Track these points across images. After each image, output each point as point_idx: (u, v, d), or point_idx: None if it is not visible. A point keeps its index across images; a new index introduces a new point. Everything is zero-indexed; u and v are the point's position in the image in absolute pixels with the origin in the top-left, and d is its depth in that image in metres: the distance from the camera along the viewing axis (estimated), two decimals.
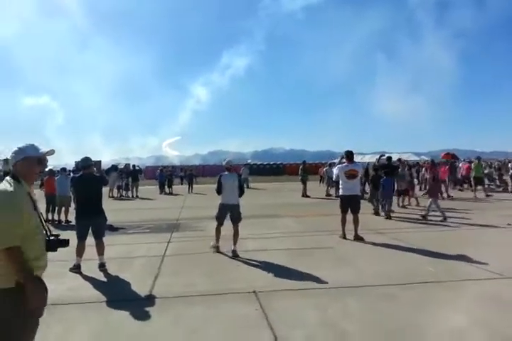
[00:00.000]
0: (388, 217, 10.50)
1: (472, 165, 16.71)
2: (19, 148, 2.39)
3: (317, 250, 6.92)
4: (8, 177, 2.35)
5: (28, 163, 2.37)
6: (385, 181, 11.07)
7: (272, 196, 18.58)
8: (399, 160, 15.67)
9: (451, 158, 20.64)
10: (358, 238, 7.74)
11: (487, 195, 15.56)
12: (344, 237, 7.84)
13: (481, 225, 9.11)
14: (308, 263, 5.96)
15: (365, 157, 64.40)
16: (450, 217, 9.99)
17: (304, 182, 17.84)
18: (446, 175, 17.14)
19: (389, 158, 13.24)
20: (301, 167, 18.99)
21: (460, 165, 19.55)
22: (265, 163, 51.61)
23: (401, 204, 12.95)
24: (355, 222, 7.88)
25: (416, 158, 54.28)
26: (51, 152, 2.46)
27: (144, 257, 6.77)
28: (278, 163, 52.20)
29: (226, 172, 7.15)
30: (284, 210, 12.50)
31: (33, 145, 2.41)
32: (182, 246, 7.62)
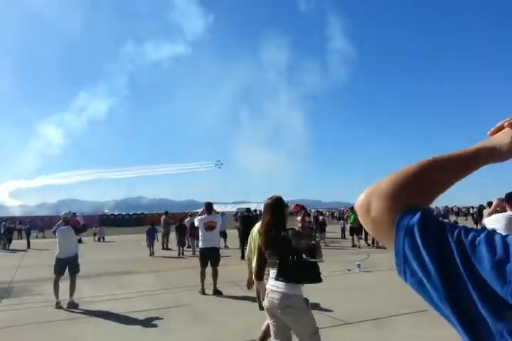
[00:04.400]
0: None
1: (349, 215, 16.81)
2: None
3: (173, 309, 6.52)
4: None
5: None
6: None
7: (129, 249, 17.31)
8: (254, 211, 16.35)
9: (301, 208, 22.47)
10: (216, 292, 7.59)
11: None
12: (203, 292, 7.61)
13: (327, 271, 9.87)
14: (161, 326, 5.56)
15: (227, 207, 66.24)
16: None
17: (165, 233, 17.24)
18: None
19: (248, 209, 13.79)
20: (163, 217, 18.40)
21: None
22: (124, 214, 48.83)
23: None
24: (214, 275, 7.77)
25: None
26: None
27: None
28: (139, 212, 49.91)
29: (63, 226, 7.14)
30: (141, 265, 11.72)
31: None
32: (13, 315, 6.39)
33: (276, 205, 3.47)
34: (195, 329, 5.36)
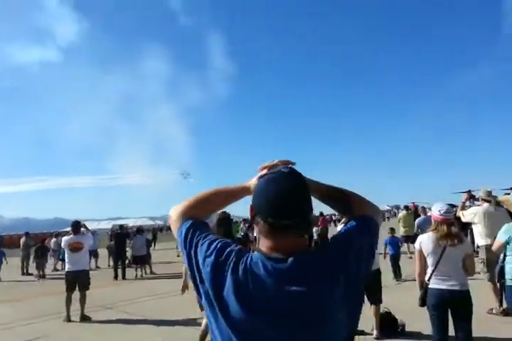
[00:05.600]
0: None
1: None
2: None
3: None
4: None
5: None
6: None
7: None
8: (131, 227, 15.67)
9: None
10: (84, 318, 7.06)
11: None
12: (69, 320, 7.00)
13: None
14: None
15: (101, 223, 61.92)
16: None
17: (25, 256, 15.39)
18: None
19: (121, 226, 13.16)
20: (23, 239, 16.39)
21: None
22: None
23: (139, 273, 12.40)
24: (82, 299, 7.21)
25: (152, 223, 56.19)
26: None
27: None
28: None
29: None
30: None
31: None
32: None
33: (224, 219, 4.44)
34: None
